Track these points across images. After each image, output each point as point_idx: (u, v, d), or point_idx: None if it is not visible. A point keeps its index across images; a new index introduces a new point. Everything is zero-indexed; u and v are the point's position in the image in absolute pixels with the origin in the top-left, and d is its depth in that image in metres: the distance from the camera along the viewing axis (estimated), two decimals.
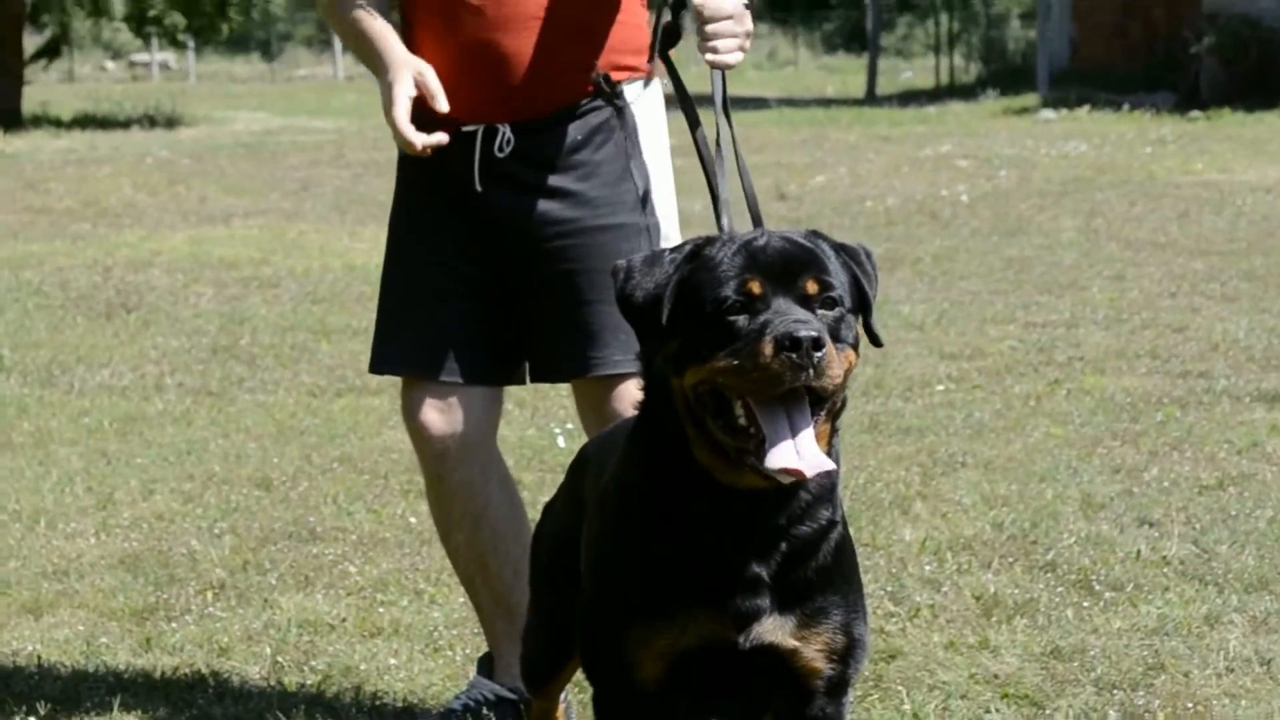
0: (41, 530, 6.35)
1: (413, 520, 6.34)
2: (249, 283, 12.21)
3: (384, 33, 4.22)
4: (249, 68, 52.30)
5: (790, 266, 3.04)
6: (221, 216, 16.28)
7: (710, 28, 3.85)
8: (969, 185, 17.11)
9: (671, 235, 4.30)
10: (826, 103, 31.41)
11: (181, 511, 6.57)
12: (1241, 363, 8.75)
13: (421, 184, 4.35)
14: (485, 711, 4.47)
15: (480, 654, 4.67)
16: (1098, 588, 5.42)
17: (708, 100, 3.82)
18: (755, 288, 3.01)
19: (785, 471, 2.94)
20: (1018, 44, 39.10)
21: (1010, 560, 5.71)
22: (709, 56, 3.84)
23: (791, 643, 3.14)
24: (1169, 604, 5.26)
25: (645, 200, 4.28)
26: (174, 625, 5.33)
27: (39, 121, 28.74)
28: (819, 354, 2.91)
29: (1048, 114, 25.55)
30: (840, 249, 3.17)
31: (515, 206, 4.24)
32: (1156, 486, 6.56)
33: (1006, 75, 33.75)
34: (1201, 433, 7.36)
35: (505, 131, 4.21)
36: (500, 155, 4.21)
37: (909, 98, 32.48)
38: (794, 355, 2.89)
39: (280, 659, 5.01)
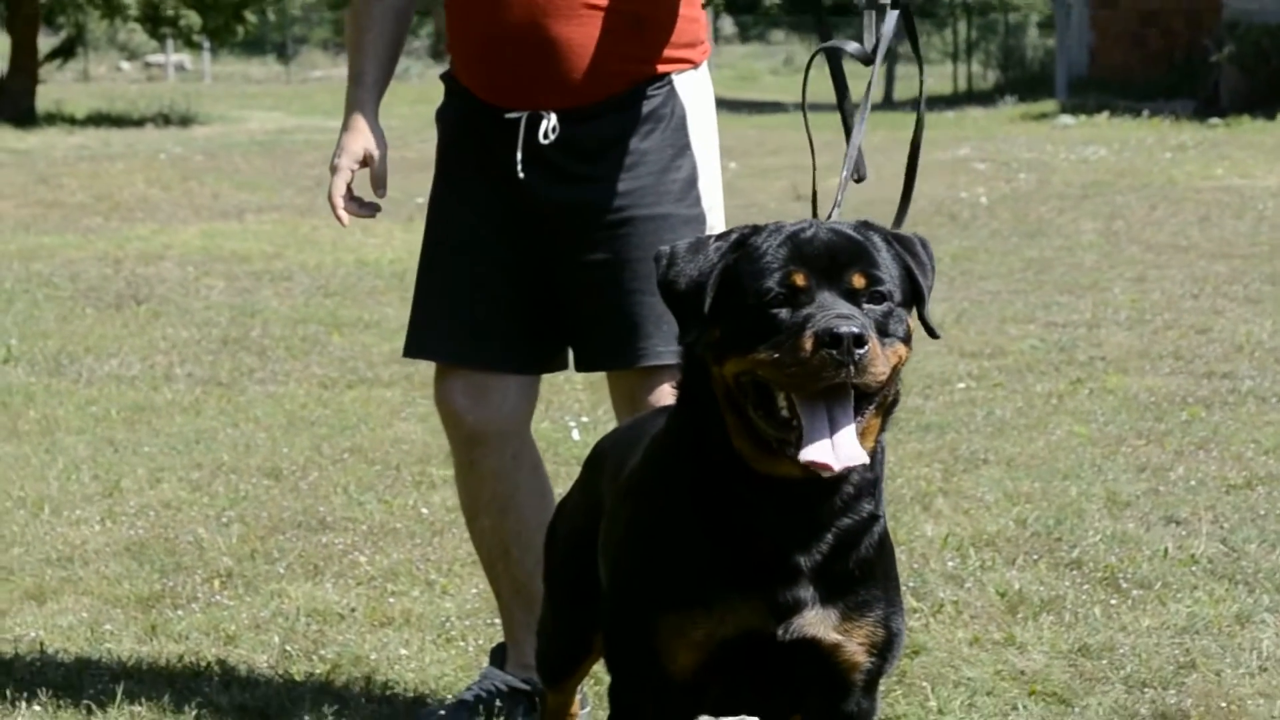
0: (46, 517, 6.24)
1: (424, 511, 6.23)
2: (261, 276, 12.11)
3: (369, 81, 4.22)
4: (264, 69, 52.24)
5: (837, 259, 2.94)
6: (234, 212, 16.20)
7: None
8: (988, 188, 16.99)
9: (718, 226, 4.18)
10: None
11: (189, 500, 6.46)
12: (1267, 364, 8.62)
13: (463, 169, 4.24)
14: (498, 703, 4.36)
15: (494, 645, 4.57)
16: (1125, 585, 5.29)
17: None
18: (799, 280, 2.91)
19: (813, 465, 2.86)
20: (1035, 52, 39.01)
21: (1035, 557, 5.59)
22: None
23: (834, 637, 3.04)
24: (1198, 602, 5.13)
25: (692, 189, 4.17)
26: (180, 613, 5.21)
27: (53, 119, 28.70)
28: (861, 350, 2.81)
29: (1066, 119, 25.45)
30: (893, 239, 3.06)
31: (559, 195, 4.12)
32: (1183, 485, 6.44)
33: (1024, 82, 33.71)
34: (1227, 433, 7.23)
35: (551, 119, 4.09)
36: (545, 142, 4.10)
37: (927, 103, 32.35)
38: (834, 351, 2.81)
39: (289, 648, 4.89)
